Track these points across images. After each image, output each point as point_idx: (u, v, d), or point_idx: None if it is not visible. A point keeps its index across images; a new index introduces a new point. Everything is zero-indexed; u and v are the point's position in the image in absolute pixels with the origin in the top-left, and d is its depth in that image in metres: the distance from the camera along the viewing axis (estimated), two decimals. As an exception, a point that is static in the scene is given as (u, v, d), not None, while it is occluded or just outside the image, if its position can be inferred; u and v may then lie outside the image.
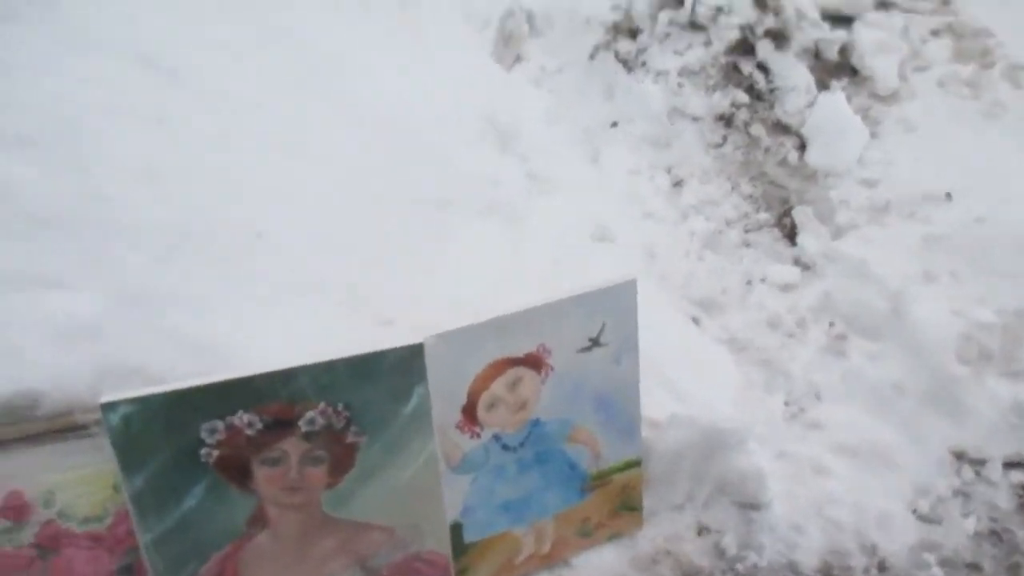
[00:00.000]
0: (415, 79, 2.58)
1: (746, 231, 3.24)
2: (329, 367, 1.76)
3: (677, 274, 3.06)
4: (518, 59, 4.11)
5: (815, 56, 3.45)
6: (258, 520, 1.84)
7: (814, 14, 3.48)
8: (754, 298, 2.99)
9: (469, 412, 1.97)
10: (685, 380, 2.33)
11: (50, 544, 1.80)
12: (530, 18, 4.24)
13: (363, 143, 2.25)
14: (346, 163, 2.19)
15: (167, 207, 1.90)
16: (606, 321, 2.02)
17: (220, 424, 1.73)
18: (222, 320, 1.90)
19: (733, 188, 3.34)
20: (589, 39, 3.85)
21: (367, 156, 2.22)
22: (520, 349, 1.96)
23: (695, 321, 2.89)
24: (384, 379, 1.80)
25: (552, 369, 2.02)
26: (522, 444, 2.07)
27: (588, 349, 2.03)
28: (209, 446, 1.74)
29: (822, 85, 3.40)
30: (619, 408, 2.14)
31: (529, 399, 2.03)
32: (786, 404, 2.71)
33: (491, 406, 1.99)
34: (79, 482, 1.77)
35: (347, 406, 1.80)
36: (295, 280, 1.98)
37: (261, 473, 1.80)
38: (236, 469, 1.78)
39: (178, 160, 1.95)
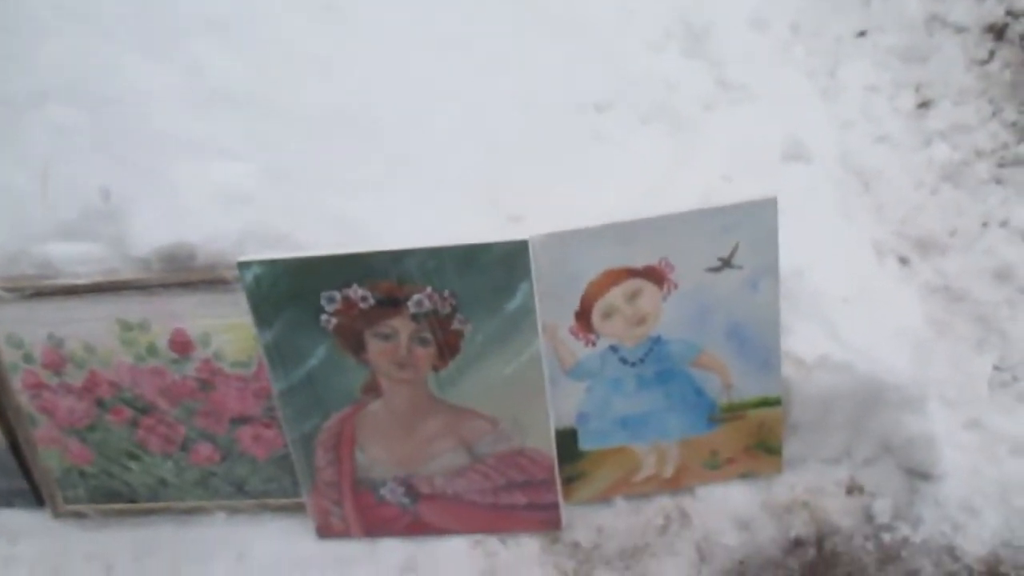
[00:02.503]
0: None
1: (1000, 165, 2.75)
2: (435, 253, 1.80)
3: (899, 206, 2.69)
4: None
5: None
6: (371, 389, 1.98)
7: None
8: (987, 242, 2.55)
9: (583, 318, 1.93)
10: (851, 322, 2.08)
11: (208, 379, 2.08)
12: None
13: (532, 42, 2.21)
14: (511, 63, 2.17)
15: (330, 91, 2.02)
16: (740, 241, 1.85)
17: (337, 295, 1.86)
18: (367, 200, 2.02)
19: (994, 113, 2.84)
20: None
21: (534, 56, 2.18)
22: (640, 260, 1.86)
23: (903, 261, 2.54)
24: (489, 272, 1.82)
25: (676, 286, 1.90)
26: (642, 360, 2.00)
27: (718, 270, 1.88)
28: (328, 313, 1.88)
29: None
30: (755, 338, 1.97)
31: (649, 314, 1.93)
32: (996, 368, 2.32)
33: (607, 315, 1.93)
34: (228, 329, 2.01)
35: (452, 293, 1.84)
36: (440, 173, 2.03)
37: (373, 346, 1.91)
38: (352, 339, 1.91)
39: (346, 48, 2.07)
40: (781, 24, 2.97)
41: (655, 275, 1.88)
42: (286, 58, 2.04)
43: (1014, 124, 2.78)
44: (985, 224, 2.61)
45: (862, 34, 3.13)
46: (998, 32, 2.86)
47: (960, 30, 2.94)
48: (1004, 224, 2.58)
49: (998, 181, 2.73)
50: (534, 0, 2.30)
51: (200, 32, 2.06)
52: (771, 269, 1.89)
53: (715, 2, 2.63)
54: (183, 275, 1.96)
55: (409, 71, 2.12)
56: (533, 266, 1.81)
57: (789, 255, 1.89)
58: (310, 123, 2.03)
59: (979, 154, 2.78)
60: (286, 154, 2.01)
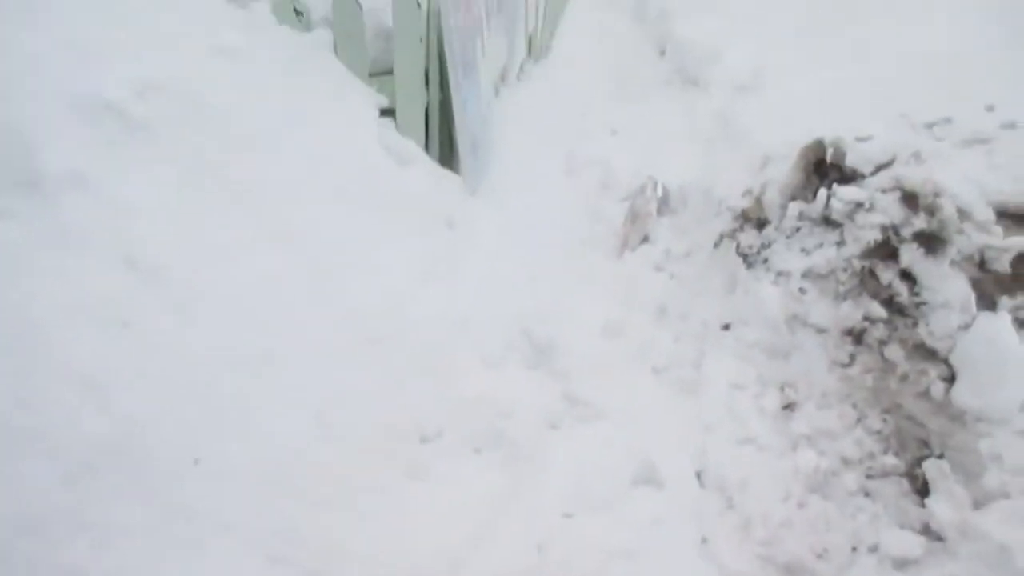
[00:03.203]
0: (444, 281, 2.35)
1: (868, 476, 2.62)
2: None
3: (765, 522, 2.50)
4: (645, 239, 3.80)
5: (979, 266, 2.81)
6: None
7: (984, 214, 2.86)
8: (857, 572, 2.35)
9: None
10: None
11: None
12: (665, 195, 3.95)
13: (348, 358, 2.04)
14: (322, 380, 1.98)
15: (100, 418, 1.78)
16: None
17: None
18: (130, 558, 1.71)
19: (859, 420, 2.74)
20: (718, 224, 3.46)
21: (350, 374, 2.00)
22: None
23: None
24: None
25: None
26: None
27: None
28: None
29: (985, 303, 2.75)
30: None
31: None
32: None
33: None
34: None
35: None
36: (224, 520, 1.76)
37: None
38: None
39: (131, 367, 1.85)
40: (642, 319, 2.90)
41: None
42: (56, 379, 1.80)
43: (879, 432, 2.68)
44: (855, 549, 2.42)
45: (726, 327, 3.08)
46: (856, 336, 2.83)
47: (820, 331, 2.90)
48: (874, 549, 2.40)
49: (866, 494, 2.58)
50: (354, 311, 2.15)
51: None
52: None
53: (563, 307, 2.54)
54: None
55: (198, 393, 1.90)
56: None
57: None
58: (69, 455, 1.76)
59: (846, 463, 2.65)
60: (32, 497, 1.72)
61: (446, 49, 2.76)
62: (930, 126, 4.17)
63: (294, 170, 2.31)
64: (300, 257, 2.18)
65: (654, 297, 3.40)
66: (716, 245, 3.40)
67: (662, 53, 6.98)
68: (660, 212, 3.87)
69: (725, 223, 3.42)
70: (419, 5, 2.65)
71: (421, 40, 2.69)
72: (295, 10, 2.60)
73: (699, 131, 5.24)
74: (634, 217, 3.80)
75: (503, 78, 4.32)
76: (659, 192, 3.94)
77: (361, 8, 2.60)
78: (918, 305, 2.80)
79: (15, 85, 2.00)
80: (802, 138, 3.44)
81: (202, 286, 2.01)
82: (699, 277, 3.44)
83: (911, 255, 2.84)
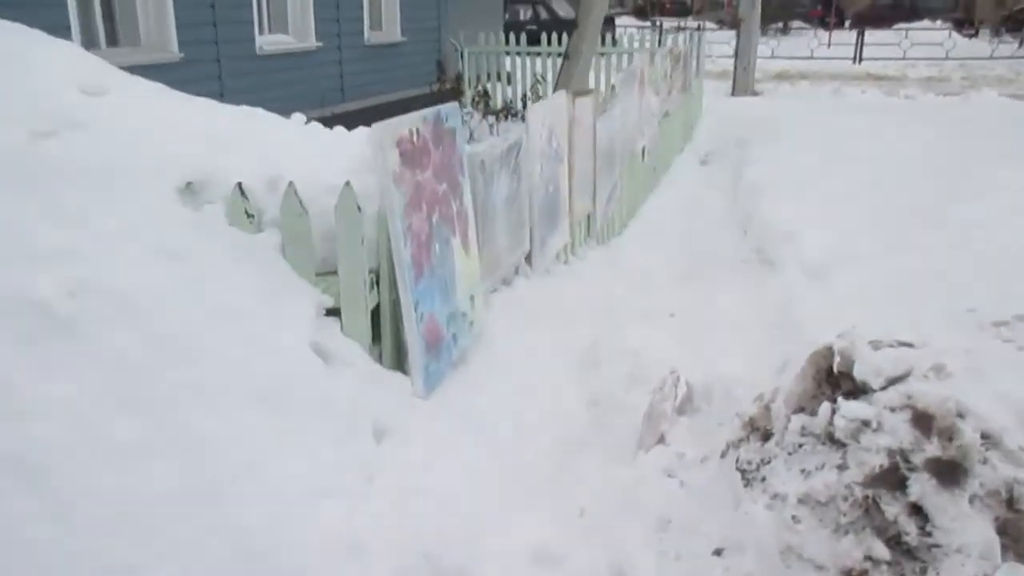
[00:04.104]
0: (347, 498, 2.19)
1: None
2: None
3: None
4: (661, 440, 3.51)
5: (1007, 504, 2.36)
6: None
7: (1017, 440, 2.43)
8: None
9: None
10: None
11: None
12: (688, 391, 3.67)
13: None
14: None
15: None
16: None
17: None
18: None
19: None
20: (728, 431, 3.15)
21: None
22: None
23: None
24: None
25: None
26: None
27: None
28: None
29: (1014, 551, 2.28)
30: None
31: None
32: None
33: None
34: None
35: None
36: None
37: None
38: None
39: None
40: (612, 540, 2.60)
41: None
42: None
43: None
44: None
45: (718, 552, 2.72)
46: (856, 579, 2.41)
47: (818, 568, 2.49)
48: None
49: None
50: (231, 520, 2.02)
51: None
52: None
53: (496, 526, 2.31)
54: None
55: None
56: None
57: None
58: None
59: None
60: None
61: (393, 249, 2.74)
62: (998, 325, 3.73)
63: (212, 373, 2.29)
64: (196, 466, 2.11)
65: (656, 508, 3.08)
66: (723, 455, 3.07)
67: (745, 232, 6.80)
68: (681, 410, 3.58)
69: (734, 430, 3.09)
70: (359, 209, 2.65)
71: (363, 241, 2.68)
72: (246, 212, 2.67)
73: (760, 317, 4.96)
74: (649, 415, 3.53)
75: (517, 269, 4.26)
76: (681, 388, 3.66)
77: (306, 210, 2.64)
78: (929, 547, 2.36)
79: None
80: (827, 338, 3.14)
81: (86, 492, 1.97)
82: (707, 489, 3.10)
83: (922, 486, 2.43)
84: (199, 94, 3.44)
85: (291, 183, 2.63)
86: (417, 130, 2.89)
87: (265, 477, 2.13)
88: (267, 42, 9.80)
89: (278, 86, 9.58)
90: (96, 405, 2.14)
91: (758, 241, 6.23)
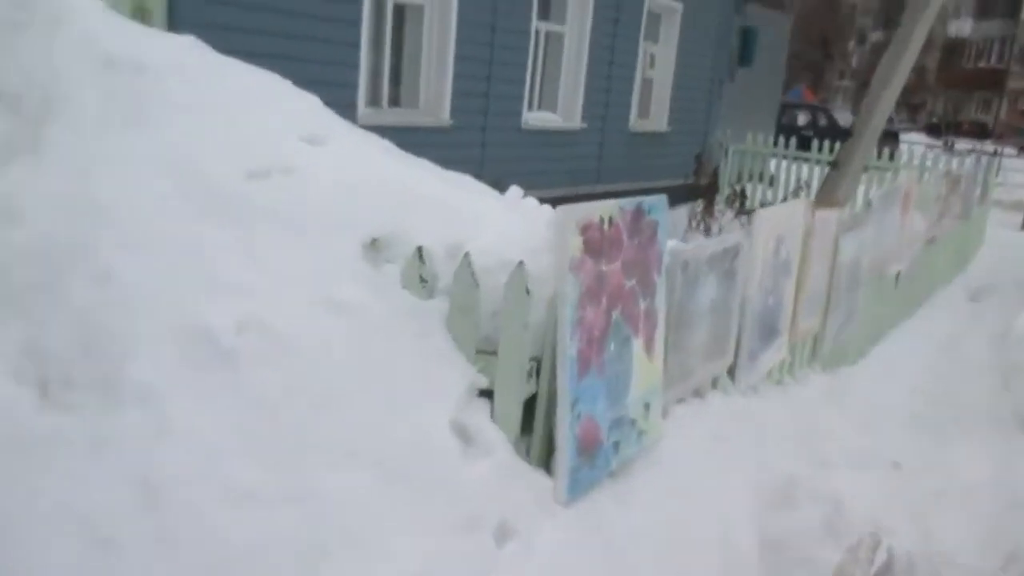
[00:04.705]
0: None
1: None
2: None
3: None
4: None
5: None
6: None
7: None
8: None
9: None
10: None
11: None
12: (889, 559, 3.12)
13: None
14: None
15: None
16: None
17: None
18: None
19: None
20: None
21: None
22: None
23: None
24: None
25: None
26: None
27: None
28: None
29: None
30: None
31: None
32: None
33: None
34: None
35: None
36: None
37: None
38: None
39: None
40: None
41: None
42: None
43: None
44: None
45: None
46: None
47: None
48: None
49: None
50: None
51: None
52: None
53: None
54: None
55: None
56: None
57: None
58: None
59: None
60: None
61: (557, 338, 2.56)
62: None
63: (345, 430, 2.24)
64: (305, 522, 2.05)
65: None
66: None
67: (1008, 388, 5.87)
68: (876, 581, 3.05)
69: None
70: (527, 291, 2.51)
71: (527, 327, 2.53)
72: (421, 276, 2.63)
73: (1000, 493, 4.19)
74: (833, 580, 3.03)
75: (715, 382, 3.89)
76: (881, 555, 3.12)
77: (477, 283, 2.55)
78: None
79: (128, 306, 2.27)
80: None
81: (194, 525, 1.98)
82: None
83: None
84: (462, 159, 3.54)
85: (467, 253, 2.57)
86: (610, 218, 2.73)
87: (368, 550, 2.03)
88: (533, 118, 10.19)
89: (535, 160, 9.89)
90: (226, 439, 2.17)
91: (1020, 401, 5.33)
